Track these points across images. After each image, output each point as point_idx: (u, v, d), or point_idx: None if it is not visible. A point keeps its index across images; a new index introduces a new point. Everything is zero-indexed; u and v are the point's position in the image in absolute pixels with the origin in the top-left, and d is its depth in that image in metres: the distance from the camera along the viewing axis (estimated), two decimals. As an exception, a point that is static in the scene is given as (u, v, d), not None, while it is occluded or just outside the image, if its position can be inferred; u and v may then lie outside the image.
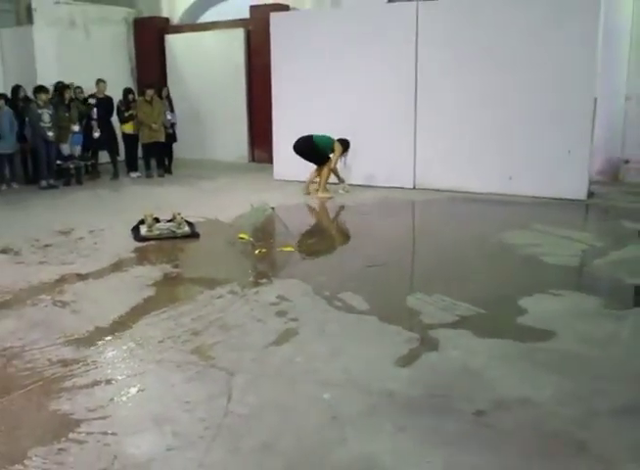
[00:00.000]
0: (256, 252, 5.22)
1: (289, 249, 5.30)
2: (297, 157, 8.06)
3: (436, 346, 3.32)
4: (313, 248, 5.61)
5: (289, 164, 8.78)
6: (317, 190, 8.01)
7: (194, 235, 5.81)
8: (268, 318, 3.74)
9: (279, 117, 9.20)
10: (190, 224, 6.03)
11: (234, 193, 8.23)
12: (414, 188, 8.41)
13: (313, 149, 7.94)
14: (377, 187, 8.49)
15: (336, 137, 8.01)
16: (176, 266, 4.94)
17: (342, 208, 7.49)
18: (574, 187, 7.34)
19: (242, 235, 5.68)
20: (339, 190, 8.24)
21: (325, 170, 7.99)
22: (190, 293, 4.27)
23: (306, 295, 4.14)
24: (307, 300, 4.05)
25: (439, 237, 5.83)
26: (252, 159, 11.62)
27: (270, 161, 9.67)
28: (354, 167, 8.51)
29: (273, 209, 7.03)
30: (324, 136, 7.97)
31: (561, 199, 7.33)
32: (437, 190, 8.10)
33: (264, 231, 6.21)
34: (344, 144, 8.03)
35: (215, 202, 7.58)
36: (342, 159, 8.11)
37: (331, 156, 7.98)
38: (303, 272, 4.68)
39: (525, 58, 7.45)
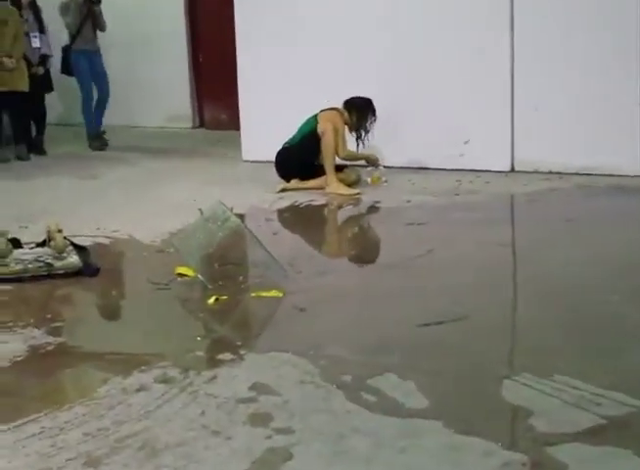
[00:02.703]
0: (211, 300, 5.25)
1: (273, 294, 5.33)
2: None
3: (564, 479, 3.29)
4: (319, 290, 5.60)
5: (270, 134, 8.89)
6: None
7: (88, 271, 5.85)
8: (235, 429, 3.72)
9: (250, 55, 9.44)
10: (81, 250, 6.08)
11: (166, 188, 8.29)
12: (512, 171, 8.57)
13: (295, 156, 8.30)
14: (439, 171, 8.59)
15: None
16: (55, 332, 4.92)
17: (372, 212, 7.59)
18: None
19: (182, 269, 5.73)
20: (367, 179, 8.43)
21: (328, 152, 8.17)
22: (83, 383, 4.26)
23: (307, 382, 4.12)
24: (309, 391, 4.04)
25: (564, 267, 5.83)
26: (201, 123, 11.73)
27: (234, 127, 9.94)
28: (397, 142, 8.73)
29: (241, 218, 7.00)
30: (301, 126, 8.37)
31: None
32: (555, 173, 8.19)
33: (225, 261, 6.21)
34: (359, 108, 8.30)
35: (130, 206, 7.62)
36: (363, 134, 8.35)
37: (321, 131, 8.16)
38: (301, 338, 4.70)
39: None
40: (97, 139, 11.09)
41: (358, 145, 8.46)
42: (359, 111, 8.28)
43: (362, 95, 8.37)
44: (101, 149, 10.84)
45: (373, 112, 8.31)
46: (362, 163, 8.61)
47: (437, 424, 3.66)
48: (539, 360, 4.26)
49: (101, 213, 7.34)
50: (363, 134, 8.36)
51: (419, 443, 3.54)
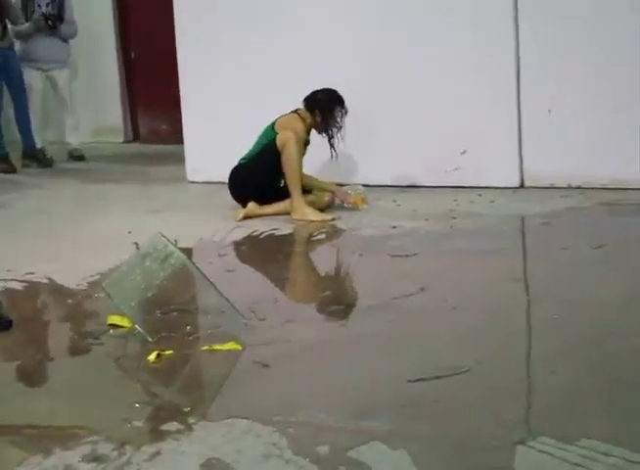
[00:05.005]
0: (152, 356, 5.25)
1: (229, 347, 5.36)
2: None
3: None
4: (287, 341, 5.59)
5: (221, 149, 9.08)
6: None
7: (-3, 324, 5.85)
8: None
9: (193, 50, 9.60)
10: (-12, 299, 6.06)
11: (93, 219, 8.37)
12: (521, 186, 8.73)
13: (253, 175, 8.39)
14: (432, 189, 8.73)
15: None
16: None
17: (349, 241, 7.65)
18: None
19: (116, 319, 5.75)
20: (343, 202, 8.54)
21: (291, 168, 8.19)
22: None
23: (274, 456, 4.06)
24: (276, 468, 3.98)
25: (591, 307, 5.83)
26: (135, 136, 11.73)
27: (177, 140, 10.12)
28: (378, 154, 8.81)
29: (188, 254, 7.04)
30: (259, 138, 8.48)
31: None
32: (575, 188, 8.37)
33: (169, 307, 6.24)
34: (322, 103, 8.36)
35: (49, 242, 7.66)
36: (335, 132, 8.41)
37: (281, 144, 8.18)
38: (265, 401, 4.66)
39: None
40: (3, 161, 11.11)
41: (332, 147, 8.43)
42: (324, 107, 8.30)
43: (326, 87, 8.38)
44: (9, 171, 10.79)
45: (340, 102, 8.31)
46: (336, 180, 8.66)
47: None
48: (561, 422, 4.22)
49: (11, 251, 7.37)
50: (335, 132, 8.37)
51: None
